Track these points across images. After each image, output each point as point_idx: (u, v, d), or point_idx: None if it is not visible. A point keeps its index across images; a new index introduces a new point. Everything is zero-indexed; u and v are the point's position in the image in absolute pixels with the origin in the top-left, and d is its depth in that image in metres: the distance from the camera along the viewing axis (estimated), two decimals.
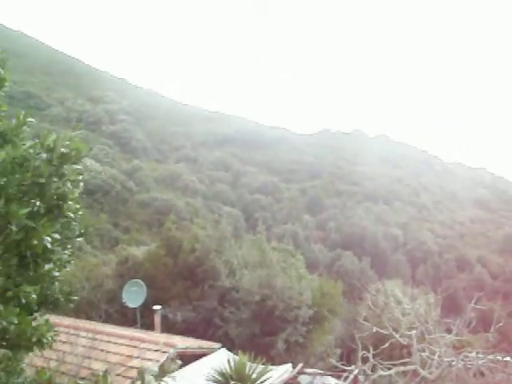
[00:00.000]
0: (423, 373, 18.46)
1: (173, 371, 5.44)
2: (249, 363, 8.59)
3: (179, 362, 6.58)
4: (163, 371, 5.38)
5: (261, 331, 20.57)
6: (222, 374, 8.37)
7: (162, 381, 5.29)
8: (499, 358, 19.13)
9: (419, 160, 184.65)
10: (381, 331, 19.65)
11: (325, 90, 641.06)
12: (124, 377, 12.14)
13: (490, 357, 18.49)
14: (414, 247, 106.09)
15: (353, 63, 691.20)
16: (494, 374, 19.89)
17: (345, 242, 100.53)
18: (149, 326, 18.42)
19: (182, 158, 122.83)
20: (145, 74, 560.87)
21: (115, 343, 14.31)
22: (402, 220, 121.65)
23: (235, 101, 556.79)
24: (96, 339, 13.11)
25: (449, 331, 20.06)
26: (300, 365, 16.23)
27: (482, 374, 19.35)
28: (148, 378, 5.18)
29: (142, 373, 5.25)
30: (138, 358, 13.11)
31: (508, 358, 19.57)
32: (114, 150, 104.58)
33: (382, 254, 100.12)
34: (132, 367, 12.58)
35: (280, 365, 16.86)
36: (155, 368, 5.34)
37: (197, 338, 17.90)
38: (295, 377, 17.65)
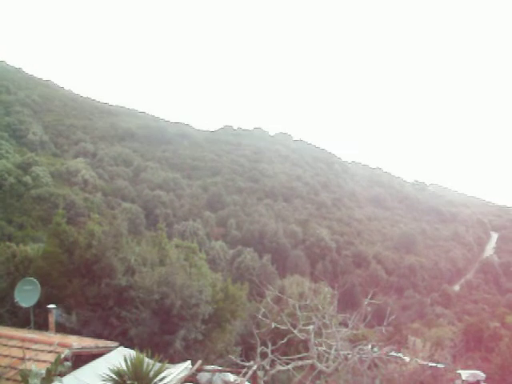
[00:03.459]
0: (320, 366, 18.81)
1: (61, 373, 5.14)
2: (146, 361, 8.38)
3: (69, 364, 6.26)
4: (50, 373, 5.05)
5: (160, 330, 20.29)
6: (118, 373, 8.09)
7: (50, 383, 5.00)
8: (392, 350, 19.86)
9: (319, 158, 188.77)
10: (280, 327, 19.86)
11: (226, 87, 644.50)
12: (15, 381, 11.60)
13: (384, 349, 19.12)
14: (312, 244, 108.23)
15: (253, 60, 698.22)
16: (388, 365, 20.63)
17: (245, 239, 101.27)
18: (42, 326, 17.74)
19: (80, 152, 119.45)
20: (43, 65, 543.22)
21: (5, 345, 13.62)
22: (302, 217, 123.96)
23: (137, 95, 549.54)
24: None
25: (345, 325, 20.54)
26: (199, 362, 16.10)
27: (376, 365, 20.02)
28: (33, 381, 4.88)
29: (25, 376, 4.93)
30: (30, 360, 12.57)
31: (400, 354, 20.36)
32: (8, 142, 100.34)
33: (282, 250, 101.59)
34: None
35: (179, 362, 16.68)
36: (41, 370, 5.02)
37: (94, 337, 17.45)
38: (194, 374, 17.51)
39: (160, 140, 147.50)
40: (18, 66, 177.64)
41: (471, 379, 9.69)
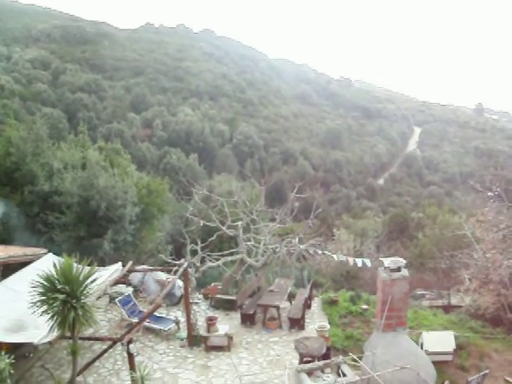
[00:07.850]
0: (250, 261, 19.34)
1: None
2: (75, 265, 8.29)
3: None
4: None
5: (87, 233, 20.21)
6: (47, 278, 7.98)
7: None
8: (319, 242, 20.53)
9: (244, 56, 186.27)
10: (209, 225, 20.13)
11: None
12: None
13: (311, 241, 19.73)
14: (240, 142, 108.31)
15: None
16: (315, 257, 21.41)
17: (172, 139, 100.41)
18: None
19: None
20: None
21: None
22: (228, 116, 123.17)
23: None
24: None
25: (274, 221, 21.01)
26: (130, 263, 16.14)
27: (304, 257, 20.73)
28: None
29: None
30: None
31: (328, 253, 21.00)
32: None
33: (210, 149, 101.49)
34: None
35: (110, 264, 16.70)
36: None
37: (21, 246, 17.20)
38: (126, 275, 17.63)
39: (79, 40, 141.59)
40: None
41: (392, 265, 10.18)
